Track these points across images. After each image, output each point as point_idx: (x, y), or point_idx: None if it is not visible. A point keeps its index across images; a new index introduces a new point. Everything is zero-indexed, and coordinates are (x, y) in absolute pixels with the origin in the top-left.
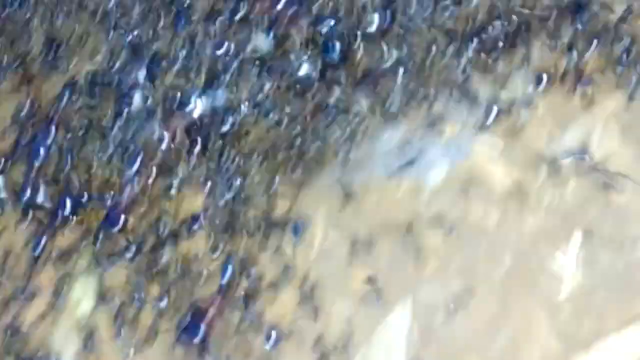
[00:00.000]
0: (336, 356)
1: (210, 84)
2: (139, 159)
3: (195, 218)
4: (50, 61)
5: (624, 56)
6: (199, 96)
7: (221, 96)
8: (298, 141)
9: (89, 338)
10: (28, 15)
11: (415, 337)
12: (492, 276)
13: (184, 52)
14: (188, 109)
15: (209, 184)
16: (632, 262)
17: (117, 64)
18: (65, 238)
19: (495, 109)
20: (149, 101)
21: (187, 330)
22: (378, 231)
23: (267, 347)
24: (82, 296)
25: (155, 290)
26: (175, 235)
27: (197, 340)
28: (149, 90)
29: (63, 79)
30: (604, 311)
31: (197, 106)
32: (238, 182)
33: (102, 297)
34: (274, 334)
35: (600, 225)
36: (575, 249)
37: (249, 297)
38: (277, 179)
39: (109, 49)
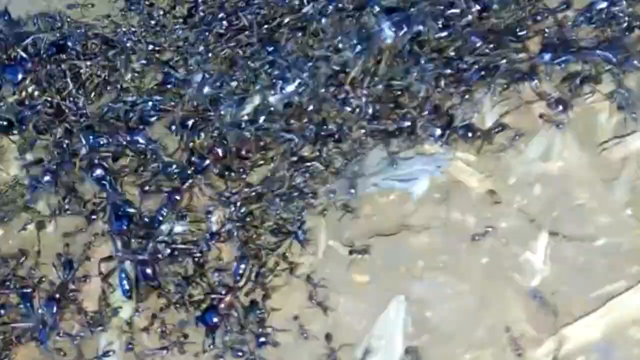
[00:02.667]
0: (342, 348)
1: None
2: None
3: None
4: None
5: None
6: None
7: None
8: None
9: None
10: None
11: (409, 328)
12: (472, 272)
13: None
14: None
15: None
16: (592, 254)
17: None
18: None
19: (468, 128)
20: None
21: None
22: (372, 237)
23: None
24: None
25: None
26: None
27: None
28: None
29: None
30: (570, 299)
31: None
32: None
33: None
34: (282, 326)
35: (564, 223)
36: (542, 246)
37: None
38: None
39: None
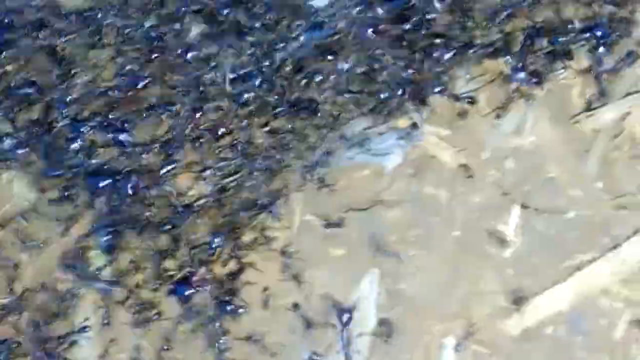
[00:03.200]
0: (317, 319)
1: None
2: None
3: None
4: None
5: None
6: None
7: None
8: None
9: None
10: None
11: (382, 301)
12: (445, 245)
13: None
14: None
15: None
16: (561, 227)
17: None
18: None
19: (441, 103)
20: None
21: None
22: (347, 211)
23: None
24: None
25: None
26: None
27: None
28: None
29: None
30: (541, 269)
31: None
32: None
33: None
34: (259, 299)
35: (535, 196)
36: (515, 217)
37: (236, 267)
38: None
39: None
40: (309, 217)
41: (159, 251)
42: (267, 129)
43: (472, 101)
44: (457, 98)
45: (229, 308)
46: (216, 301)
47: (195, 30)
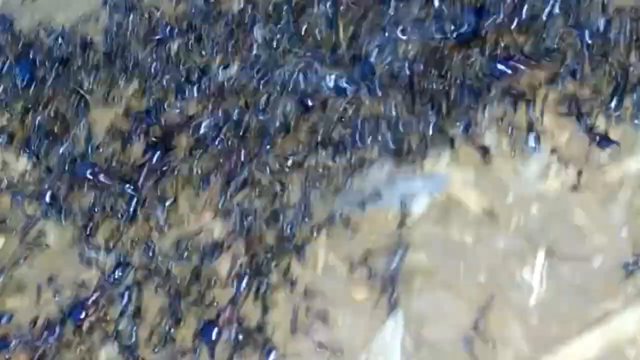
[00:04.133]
0: None
1: None
2: None
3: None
4: None
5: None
6: None
7: None
8: None
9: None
10: None
11: (407, 344)
12: (470, 290)
13: None
14: None
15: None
16: (588, 273)
17: None
18: None
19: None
20: None
21: (203, 332)
22: (372, 253)
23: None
24: None
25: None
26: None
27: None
28: None
29: None
30: (566, 317)
31: None
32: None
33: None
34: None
35: (560, 242)
36: (540, 264)
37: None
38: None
39: None
40: (332, 259)
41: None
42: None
43: (486, 150)
44: (481, 146)
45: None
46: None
47: None
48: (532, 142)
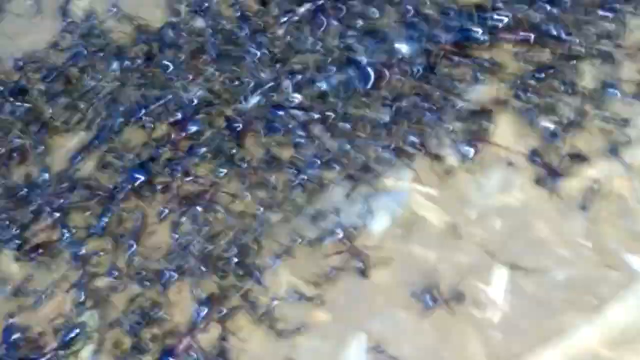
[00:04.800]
0: None
1: None
2: None
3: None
4: None
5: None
6: None
7: None
8: None
9: None
10: None
11: None
12: (433, 308)
13: None
14: None
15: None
16: (551, 287)
17: None
18: None
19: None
20: None
21: None
22: (334, 274)
23: None
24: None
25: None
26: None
27: None
28: None
29: None
30: (529, 332)
31: None
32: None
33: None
34: None
35: (523, 256)
36: (502, 278)
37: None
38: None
39: None
40: (294, 281)
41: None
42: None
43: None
44: (443, 161)
45: None
46: None
47: None
48: (493, 156)
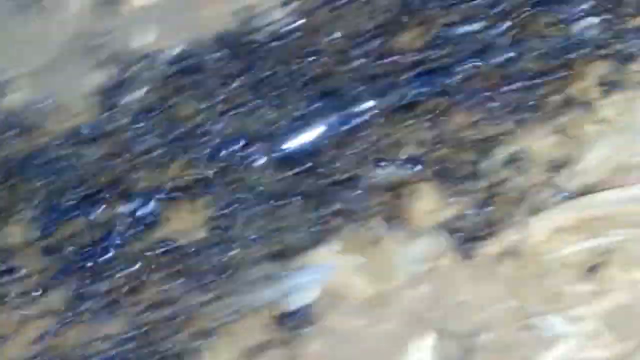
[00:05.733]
0: None
1: None
2: None
3: None
4: None
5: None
6: None
7: None
8: None
9: None
10: None
11: None
12: None
13: None
14: None
15: None
16: (475, 350)
17: None
18: None
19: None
20: None
21: None
22: (264, 351)
23: None
24: None
25: None
26: None
27: None
28: None
29: None
30: None
31: None
32: None
33: None
34: None
35: (449, 320)
36: (429, 345)
37: None
38: None
39: None
40: None
41: None
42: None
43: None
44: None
45: None
46: None
47: None
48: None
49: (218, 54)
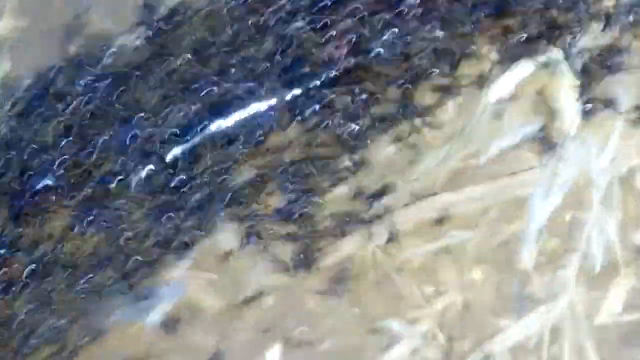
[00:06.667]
0: None
1: None
2: None
3: None
4: None
5: None
6: None
7: None
8: None
9: None
10: None
11: None
12: None
13: None
14: None
15: None
16: (319, 358)
17: None
18: None
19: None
20: None
21: None
22: None
23: None
24: None
25: None
26: None
27: None
28: None
29: None
30: None
31: None
32: None
33: None
34: None
35: (295, 331)
36: (277, 356)
37: None
38: None
39: None
40: None
41: None
42: None
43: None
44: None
45: None
46: None
47: None
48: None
49: None
